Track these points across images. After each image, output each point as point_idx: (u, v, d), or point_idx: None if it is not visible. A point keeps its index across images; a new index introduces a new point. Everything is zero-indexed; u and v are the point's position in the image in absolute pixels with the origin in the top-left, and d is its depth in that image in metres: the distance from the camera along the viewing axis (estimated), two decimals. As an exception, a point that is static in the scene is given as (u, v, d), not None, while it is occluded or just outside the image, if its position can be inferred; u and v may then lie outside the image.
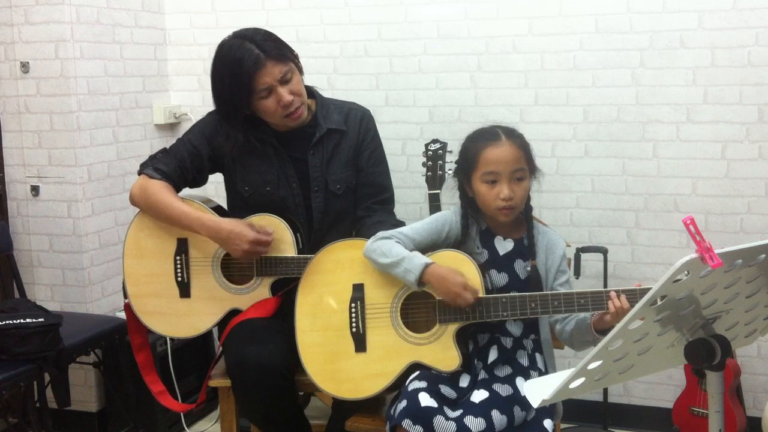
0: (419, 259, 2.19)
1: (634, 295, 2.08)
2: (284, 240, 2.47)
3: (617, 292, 2.09)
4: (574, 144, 3.24)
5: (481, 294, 2.19)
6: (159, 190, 2.50)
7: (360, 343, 2.29)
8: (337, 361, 2.30)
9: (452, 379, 2.21)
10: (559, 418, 2.30)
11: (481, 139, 2.26)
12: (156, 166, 2.54)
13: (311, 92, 2.61)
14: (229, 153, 2.53)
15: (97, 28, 3.28)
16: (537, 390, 1.80)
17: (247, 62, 2.37)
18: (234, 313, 2.49)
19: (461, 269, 2.20)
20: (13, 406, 3.09)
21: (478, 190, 2.25)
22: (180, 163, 2.55)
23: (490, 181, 2.22)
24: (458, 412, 2.08)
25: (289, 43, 2.53)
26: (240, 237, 2.40)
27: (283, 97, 2.41)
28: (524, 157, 2.24)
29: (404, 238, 2.27)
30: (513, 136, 2.26)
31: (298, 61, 2.51)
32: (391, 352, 2.26)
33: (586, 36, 3.16)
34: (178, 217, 2.48)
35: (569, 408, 2.41)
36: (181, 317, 2.53)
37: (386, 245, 2.24)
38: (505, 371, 2.23)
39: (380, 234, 2.28)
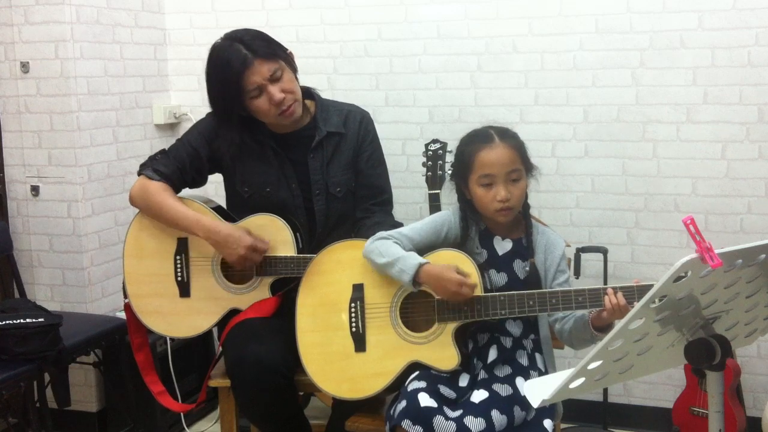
0: (414, 259, 2.19)
1: (632, 292, 2.08)
2: (284, 240, 2.47)
3: (614, 288, 2.09)
4: (574, 144, 3.24)
5: (480, 293, 2.19)
6: (158, 191, 2.50)
7: (360, 342, 2.29)
8: (337, 361, 2.30)
9: (451, 378, 2.21)
10: (559, 418, 2.30)
11: (475, 141, 2.26)
12: (155, 167, 2.54)
13: (310, 94, 2.61)
14: (227, 154, 2.53)
15: (97, 28, 3.28)
16: (537, 390, 1.80)
17: (234, 62, 2.38)
18: (234, 312, 2.49)
19: (460, 268, 2.20)
20: (13, 406, 3.09)
21: (475, 192, 2.25)
22: (179, 164, 2.55)
23: (486, 183, 2.22)
24: (458, 412, 2.08)
25: (289, 43, 2.53)
26: (237, 241, 2.40)
27: (273, 95, 2.41)
28: (519, 158, 2.24)
29: (403, 238, 2.27)
30: (506, 136, 2.25)
31: (292, 60, 2.51)
32: (390, 352, 2.26)
33: (586, 36, 3.16)
34: (176, 219, 2.47)
35: (569, 408, 2.41)
36: (181, 317, 2.53)
37: (384, 245, 2.24)
38: (504, 371, 2.22)
39: (379, 234, 2.28)
